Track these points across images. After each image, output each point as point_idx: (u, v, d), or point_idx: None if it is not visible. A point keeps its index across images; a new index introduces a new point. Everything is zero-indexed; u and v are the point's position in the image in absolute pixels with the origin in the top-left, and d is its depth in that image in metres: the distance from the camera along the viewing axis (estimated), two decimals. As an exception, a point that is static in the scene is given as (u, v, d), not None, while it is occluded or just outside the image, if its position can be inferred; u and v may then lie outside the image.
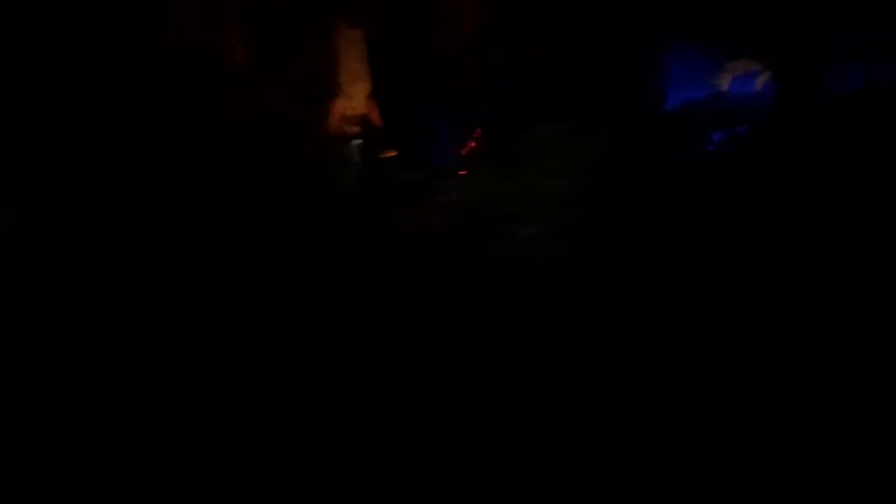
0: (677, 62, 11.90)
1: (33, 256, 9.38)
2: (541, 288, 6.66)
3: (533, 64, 12.16)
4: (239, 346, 6.34)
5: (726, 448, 4.18)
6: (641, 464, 4.13)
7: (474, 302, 6.58)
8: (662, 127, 10.12)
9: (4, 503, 4.42)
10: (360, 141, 12.14)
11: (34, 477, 4.55)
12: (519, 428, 4.57)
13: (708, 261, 6.60)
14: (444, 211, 9.30)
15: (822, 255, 6.63)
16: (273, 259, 8.34)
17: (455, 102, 13.03)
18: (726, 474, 3.96)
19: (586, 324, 5.89)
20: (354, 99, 12.27)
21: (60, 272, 8.54)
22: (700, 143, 9.94)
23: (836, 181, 7.66)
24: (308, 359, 5.96)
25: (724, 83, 11.62)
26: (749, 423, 4.36)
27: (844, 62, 10.29)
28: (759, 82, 11.45)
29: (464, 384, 5.33)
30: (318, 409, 5.15)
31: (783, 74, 9.78)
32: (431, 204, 9.60)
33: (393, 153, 12.18)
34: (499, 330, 5.96)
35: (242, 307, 7.45)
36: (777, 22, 10.60)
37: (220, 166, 11.39)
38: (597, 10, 11.49)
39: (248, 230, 10.04)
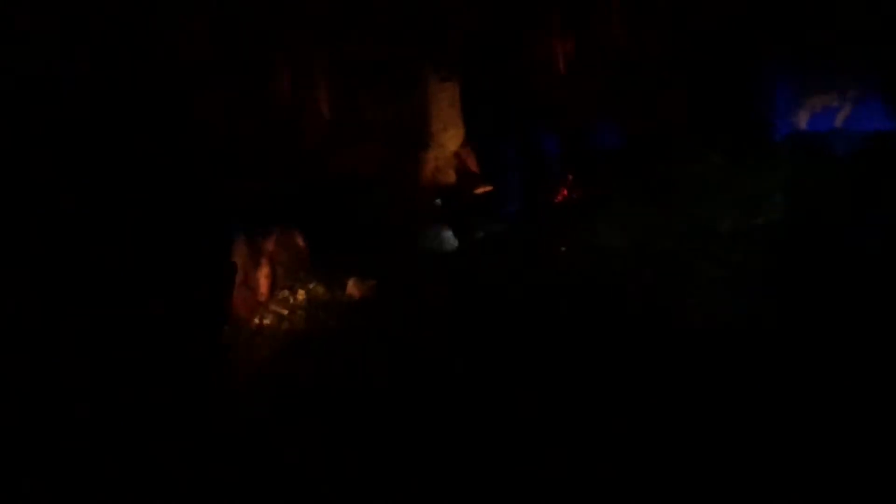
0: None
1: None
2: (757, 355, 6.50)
3: (635, 100, 12.09)
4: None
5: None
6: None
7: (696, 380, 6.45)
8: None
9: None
10: (439, 200, 11.94)
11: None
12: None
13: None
14: (602, 255, 8.97)
15: None
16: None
17: (547, 143, 12.93)
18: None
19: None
20: (447, 147, 12.17)
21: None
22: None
23: None
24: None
25: (802, 120, 11.51)
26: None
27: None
28: (841, 118, 11.33)
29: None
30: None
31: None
32: (584, 248, 9.29)
33: (488, 188, 12.03)
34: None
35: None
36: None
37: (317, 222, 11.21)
38: (698, 43, 11.51)
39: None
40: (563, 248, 10.29)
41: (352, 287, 9.82)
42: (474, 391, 7.76)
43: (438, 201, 12.04)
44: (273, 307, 9.77)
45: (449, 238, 11.70)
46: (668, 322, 7.37)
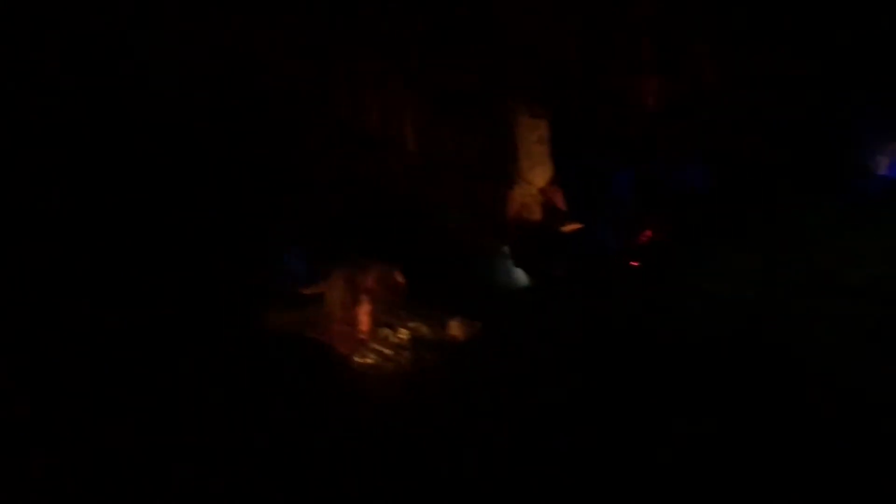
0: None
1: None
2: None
3: (722, 142, 12.03)
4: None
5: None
6: None
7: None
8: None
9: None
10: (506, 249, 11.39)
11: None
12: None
13: None
14: (708, 303, 8.75)
15: None
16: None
17: (632, 182, 12.82)
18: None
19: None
20: (534, 183, 12.06)
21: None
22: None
23: None
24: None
25: (883, 166, 11.49)
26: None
27: None
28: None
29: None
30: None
31: None
32: (686, 294, 9.08)
33: (576, 226, 11.89)
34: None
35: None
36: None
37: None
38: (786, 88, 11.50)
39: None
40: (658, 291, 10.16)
41: (455, 328, 9.61)
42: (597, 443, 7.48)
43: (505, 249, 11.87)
44: (374, 345, 9.53)
45: (520, 274, 11.54)
46: (787, 385, 7.10)
